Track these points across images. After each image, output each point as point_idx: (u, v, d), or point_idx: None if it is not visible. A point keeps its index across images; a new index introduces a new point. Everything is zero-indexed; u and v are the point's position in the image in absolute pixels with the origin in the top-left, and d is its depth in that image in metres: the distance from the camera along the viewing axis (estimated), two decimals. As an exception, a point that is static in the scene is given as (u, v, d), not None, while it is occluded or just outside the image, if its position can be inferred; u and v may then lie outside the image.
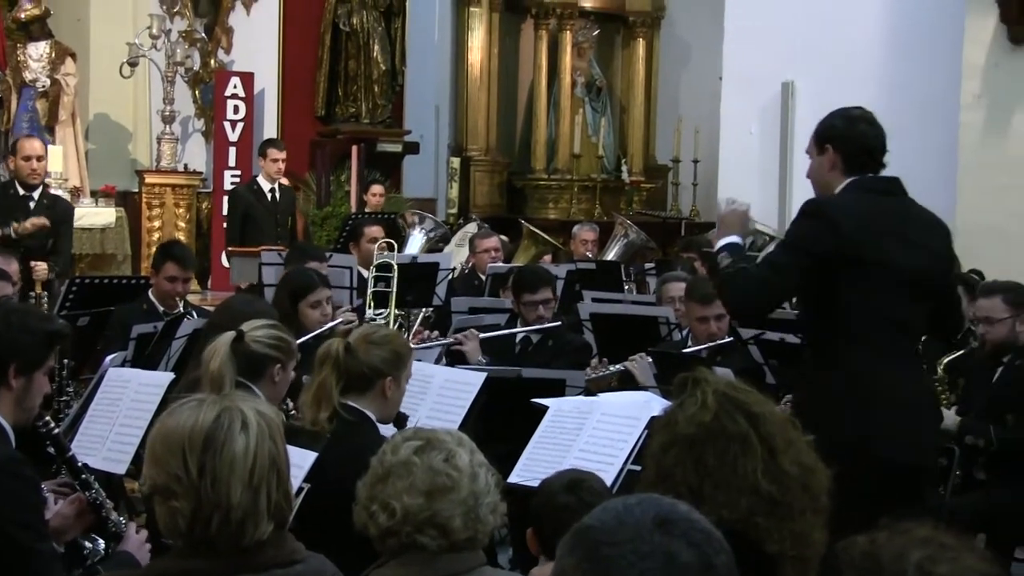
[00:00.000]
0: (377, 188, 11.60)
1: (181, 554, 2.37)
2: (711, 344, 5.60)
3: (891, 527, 1.72)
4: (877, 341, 3.95)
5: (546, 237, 10.10)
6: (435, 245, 9.29)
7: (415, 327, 7.32)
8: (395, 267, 7.22)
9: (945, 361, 6.04)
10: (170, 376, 4.59)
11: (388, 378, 3.89)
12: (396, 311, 7.33)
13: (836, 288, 3.94)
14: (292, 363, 4.04)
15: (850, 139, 4.11)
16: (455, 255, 9.28)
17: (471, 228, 10.43)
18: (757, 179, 10.06)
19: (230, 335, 3.82)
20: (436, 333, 6.77)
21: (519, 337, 6.26)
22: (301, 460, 3.42)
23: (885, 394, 3.90)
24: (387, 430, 3.98)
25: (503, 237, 9.38)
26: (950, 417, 5.54)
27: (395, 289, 7.21)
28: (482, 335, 6.17)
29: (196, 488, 2.28)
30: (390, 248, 7.78)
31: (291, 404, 4.52)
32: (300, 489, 3.36)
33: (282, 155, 10.13)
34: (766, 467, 2.25)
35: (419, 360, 5.13)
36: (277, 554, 2.37)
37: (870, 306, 3.94)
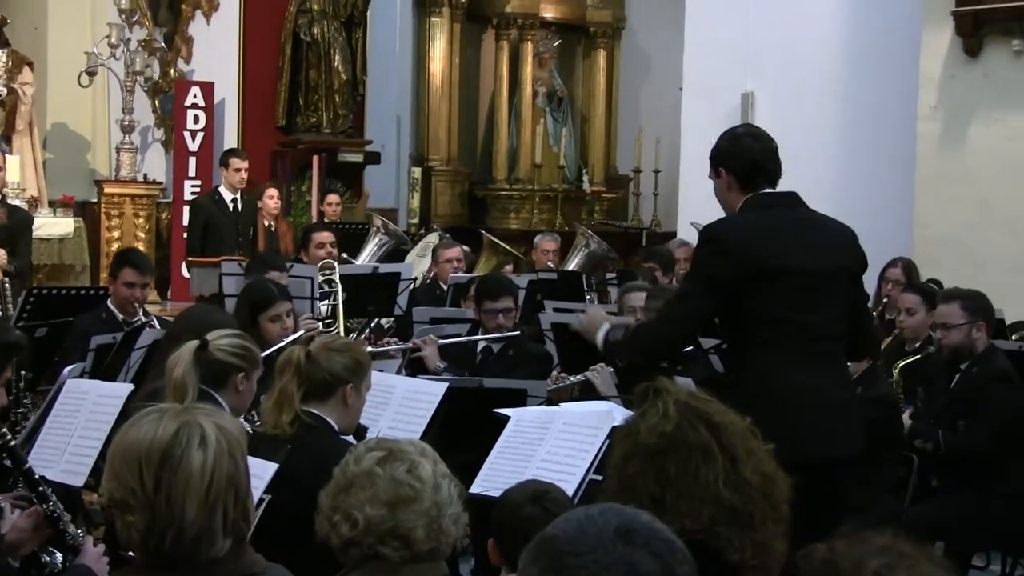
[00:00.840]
0: (333, 197, 11.58)
1: (138, 569, 2.35)
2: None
3: (850, 535, 1.73)
4: (782, 345, 4.00)
5: (507, 247, 10.10)
6: (388, 252, 9.30)
7: (365, 334, 7.30)
8: (335, 278, 7.21)
9: (901, 365, 6.09)
10: (129, 387, 4.55)
11: (349, 385, 3.89)
12: (347, 321, 7.35)
13: (741, 299, 3.99)
14: (256, 373, 4.03)
15: (737, 156, 4.13)
16: (416, 265, 9.27)
17: (432, 238, 10.42)
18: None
19: (194, 343, 3.80)
20: (396, 339, 6.76)
21: (480, 347, 6.26)
22: (261, 471, 3.40)
23: (792, 397, 3.95)
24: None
25: (465, 247, 9.37)
26: (906, 422, 5.60)
27: (341, 300, 7.23)
28: (441, 341, 6.18)
29: (151, 503, 2.25)
30: (340, 259, 7.83)
31: (256, 415, 4.50)
32: (260, 500, 3.35)
33: (244, 165, 10.09)
34: (728, 476, 2.26)
35: (381, 371, 5.13)
36: (236, 567, 2.35)
37: (773, 312, 3.99)
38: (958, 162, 8.91)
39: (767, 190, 4.13)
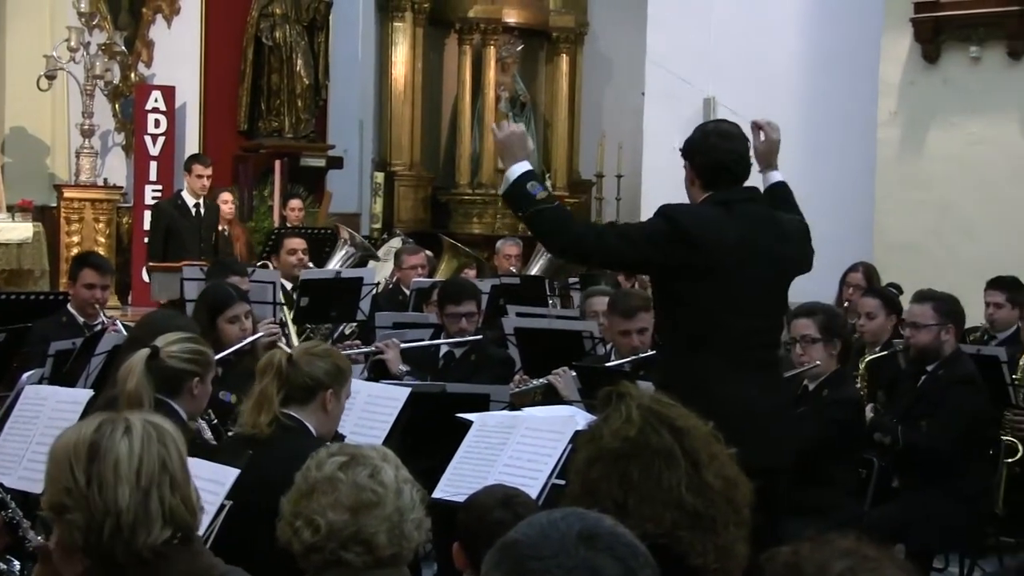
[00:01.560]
0: (295, 203, 11.55)
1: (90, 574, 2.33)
2: (635, 358, 5.62)
3: (814, 538, 1.73)
4: (718, 351, 3.99)
5: (466, 250, 10.11)
6: (353, 265, 9.28)
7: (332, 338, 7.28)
8: (280, 284, 7.20)
9: (867, 359, 6.14)
10: (89, 393, 4.52)
11: (329, 391, 3.89)
12: (309, 328, 7.36)
13: (683, 296, 4.01)
14: (211, 375, 4.02)
15: (703, 154, 4.12)
16: (379, 270, 9.25)
17: (395, 243, 10.41)
18: (680, 194, 10.11)
19: (145, 352, 3.78)
20: (359, 342, 6.74)
21: (442, 351, 6.25)
22: (222, 477, 3.38)
23: (721, 408, 3.87)
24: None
25: (429, 253, 9.37)
26: (868, 415, 5.65)
27: (296, 305, 7.23)
28: (404, 345, 6.17)
29: (85, 497, 2.28)
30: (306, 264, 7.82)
31: (212, 415, 4.48)
32: (222, 507, 3.32)
33: (207, 172, 10.05)
34: (690, 481, 2.27)
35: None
36: (191, 568, 2.34)
37: (715, 315, 3.99)
38: (918, 167, 8.99)
39: (728, 189, 4.12)
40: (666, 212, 4.10)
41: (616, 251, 4.13)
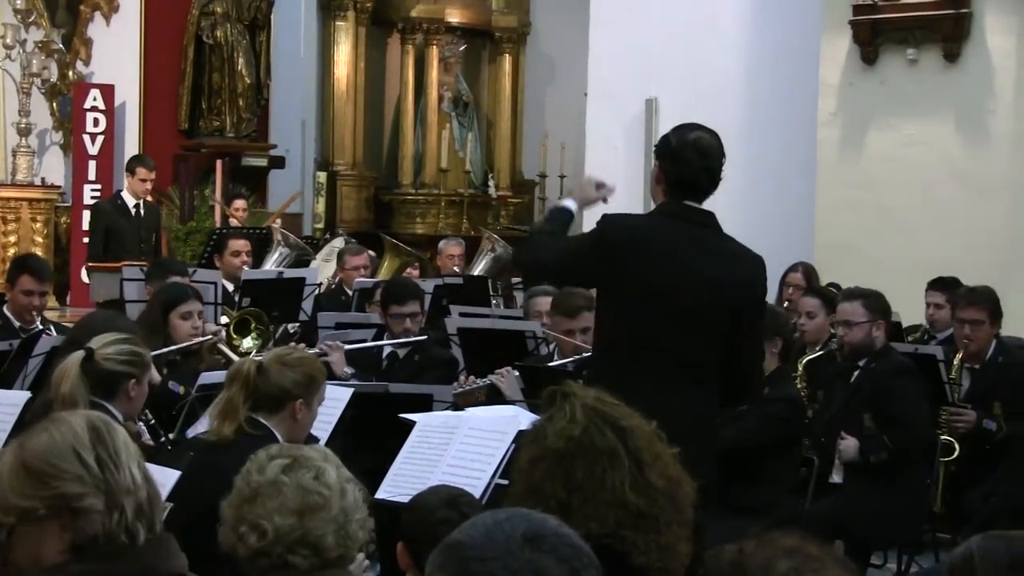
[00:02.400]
0: (239, 203, 11.47)
1: (98, 556, 2.29)
2: (578, 357, 5.63)
3: (759, 537, 1.75)
4: (639, 366, 3.91)
5: (409, 249, 10.09)
6: (290, 265, 9.24)
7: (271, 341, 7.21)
8: (219, 287, 7.17)
9: (805, 360, 6.20)
10: (26, 395, 4.47)
11: (299, 400, 3.85)
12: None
13: (610, 308, 4.00)
14: (147, 376, 3.97)
15: (674, 163, 4.03)
16: (321, 270, 9.21)
17: (338, 243, 10.36)
18: (622, 194, 10.12)
19: (79, 355, 3.73)
20: (303, 345, 6.68)
21: (386, 352, 6.24)
22: (163, 479, 3.36)
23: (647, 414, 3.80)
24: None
25: (372, 253, 9.34)
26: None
27: (238, 306, 7.21)
28: (348, 347, 6.14)
29: (104, 479, 2.26)
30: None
31: (150, 415, 4.44)
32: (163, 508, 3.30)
33: (151, 176, 9.98)
34: (634, 480, 2.28)
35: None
36: (171, 565, 2.33)
37: (634, 330, 3.95)
38: (856, 168, 9.08)
39: (689, 203, 4.03)
40: (601, 221, 4.08)
41: (558, 265, 4.19)
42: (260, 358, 3.99)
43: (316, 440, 4.01)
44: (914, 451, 5.62)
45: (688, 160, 4.00)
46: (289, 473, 2.59)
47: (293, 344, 6.14)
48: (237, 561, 2.60)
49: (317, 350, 6.15)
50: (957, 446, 5.97)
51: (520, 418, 4.22)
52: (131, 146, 12.05)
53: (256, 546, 2.54)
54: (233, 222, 10.85)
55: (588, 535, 2.06)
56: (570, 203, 4.27)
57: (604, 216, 4.09)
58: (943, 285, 7.00)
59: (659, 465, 2.34)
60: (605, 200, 4.34)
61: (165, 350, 5.07)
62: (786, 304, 7.57)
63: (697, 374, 4.01)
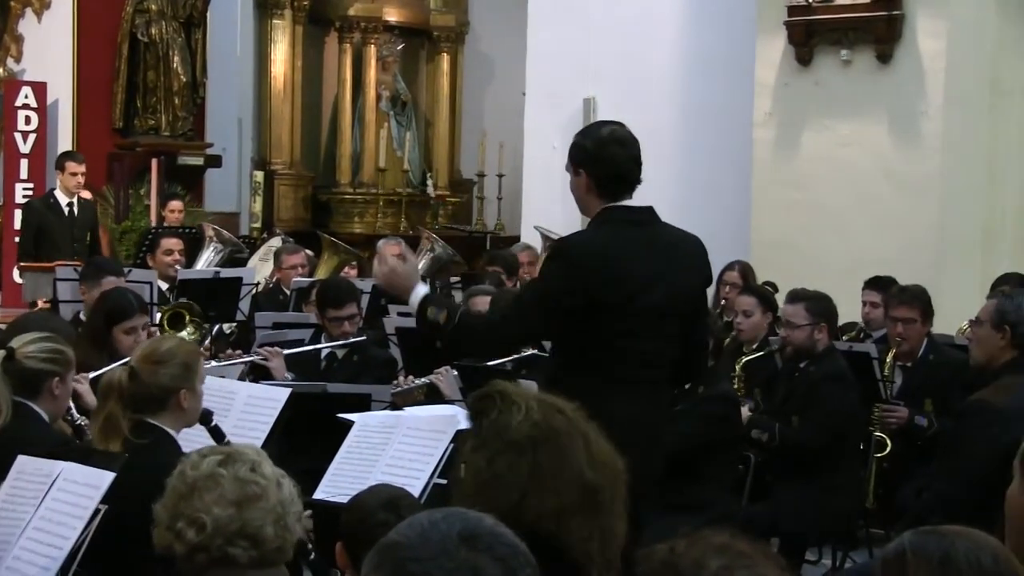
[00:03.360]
0: (176, 204, 11.36)
1: None
2: (516, 356, 5.65)
3: (690, 536, 1.76)
4: (610, 371, 3.91)
5: (346, 247, 10.05)
6: (224, 261, 9.18)
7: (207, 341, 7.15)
8: (155, 287, 7.10)
9: (743, 361, 6.25)
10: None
11: (181, 391, 3.76)
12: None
13: (580, 320, 3.89)
14: (71, 374, 3.91)
15: (600, 163, 3.97)
16: (259, 269, 9.16)
17: (275, 242, 10.30)
18: (560, 193, 10.15)
19: None
20: (240, 352, 6.63)
21: (324, 353, 6.21)
22: (96, 480, 3.32)
23: (608, 425, 3.75)
24: (196, 433, 3.90)
25: (309, 252, 9.29)
26: (745, 415, 5.76)
27: (172, 304, 7.14)
28: (286, 352, 6.10)
29: None
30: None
31: (76, 413, 4.38)
32: (97, 511, 3.26)
33: (81, 169, 9.86)
34: (588, 457, 2.33)
35: (222, 376, 5.05)
36: None
37: (611, 341, 3.91)
38: (792, 168, 9.16)
39: (627, 203, 4.01)
40: (558, 250, 4.04)
41: (525, 327, 4.07)
42: (129, 362, 3.81)
43: (210, 413, 3.92)
44: (797, 453, 5.64)
45: (612, 155, 3.97)
46: (225, 466, 2.58)
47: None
48: (172, 562, 2.58)
49: (257, 358, 6.09)
50: (889, 443, 6.05)
51: (459, 417, 4.21)
52: (64, 144, 11.90)
53: (195, 540, 2.52)
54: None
55: (540, 519, 2.15)
56: (419, 291, 4.05)
57: (561, 240, 4.09)
58: (879, 284, 7.09)
59: (600, 442, 2.39)
60: (404, 259, 4.27)
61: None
62: (723, 302, 7.62)
63: (662, 374, 4.06)
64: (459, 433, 3.96)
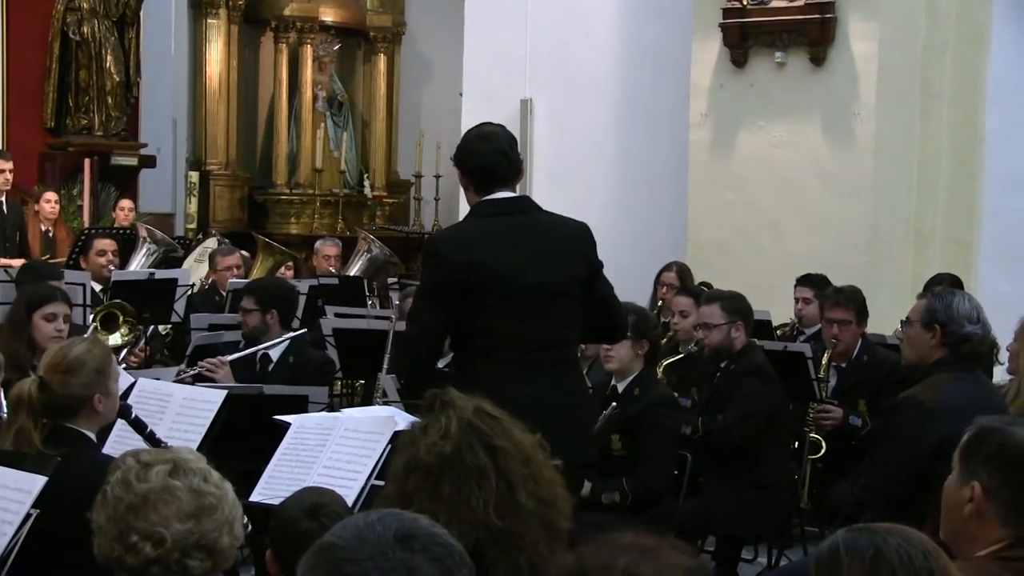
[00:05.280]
0: (126, 203, 11.26)
1: None
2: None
3: (595, 539, 1.78)
4: (502, 355, 4.06)
5: (281, 248, 10.00)
6: (158, 262, 9.10)
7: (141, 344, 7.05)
8: (88, 288, 7.02)
9: (665, 363, 6.29)
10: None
11: (95, 396, 3.70)
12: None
13: (463, 310, 4.04)
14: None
15: (467, 159, 4.17)
16: (194, 271, 9.08)
17: (211, 243, 10.22)
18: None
19: None
20: (183, 366, 6.50)
21: (259, 355, 6.16)
22: (28, 485, 3.27)
23: (512, 407, 3.82)
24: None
25: (244, 253, 9.23)
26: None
27: (105, 305, 7.06)
28: (229, 358, 6.02)
29: None
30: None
31: (5, 408, 4.31)
32: (28, 515, 3.22)
33: (8, 166, 9.73)
34: (500, 500, 2.30)
35: (157, 379, 5.00)
36: None
37: (493, 323, 4.05)
38: (727, 168, 9.23)
39: (500, 195, 4.15)
40: (427, 247, 4.26)
41: (421, 334, 4.17)
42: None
43: (129, 407, 3.91)
44: (720, 448, 5.70)
45: (475, 150, 4.15)
46: (177, 477, 2.54)
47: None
48: (112, 571, 2.54)
49: (202, 371, 5.99)
50: (824, 444, 6.11)
51: (396, 419, 4.20)
52: (-7, 143, 11.73)
53: (152, 554, 2.49)
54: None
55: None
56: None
57: (430, 240, 4.29)
58: (811, 281, 7.16)
59: (531, 486, 2.35)
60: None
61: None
62: (660, 303, 7.67)
63: (561, 357, 4.17)
64: (396, 435, 3.95)
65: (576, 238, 4.24)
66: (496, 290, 4.03)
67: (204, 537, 2.51)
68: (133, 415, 3.93)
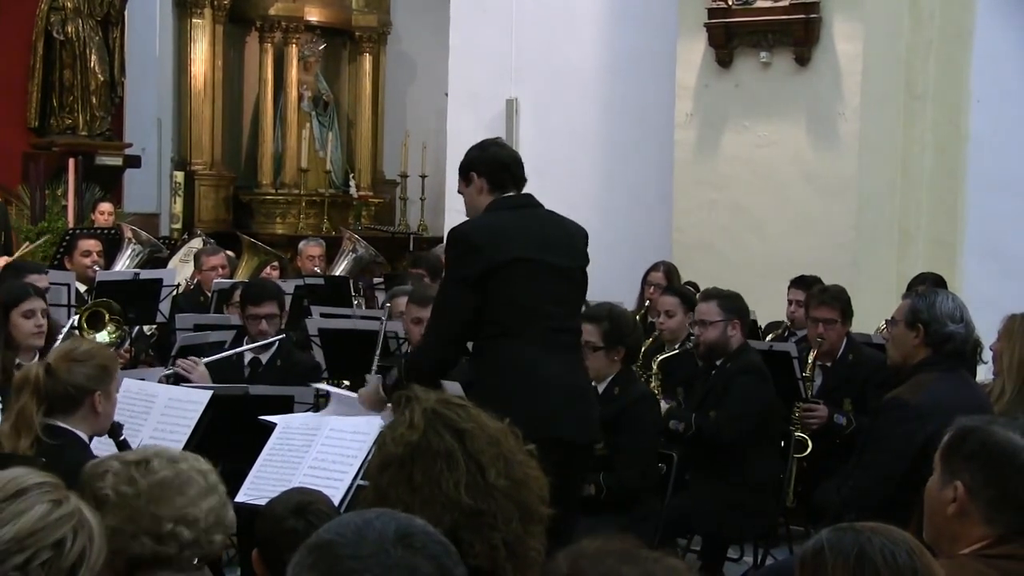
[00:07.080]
0: (105, 206, 11.20)
1: None
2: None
3: (591, 545, 1.79)
4: (528, 334, 4.30)
5: (267, 248, 9.98)
6: (143, 262, 9.08)
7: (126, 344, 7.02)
8: (73, 289, 6.99)
9: (660, 359, 6.31)
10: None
11: (96, 393, 3.74)
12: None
13: (489, 293, 4.29)
14: None
15: (486, 161, 4.52)
16: (179, 271, 9.07)
17: (196, 243, 10.20)
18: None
19: None
20: (161, 368, 6.46)
21: (247, 359, 6.14)
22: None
23: (541, 384, 4.28)
24: (102, 444, 3.86)
25: (229, 253, 9.22)
26: (663, 407, 5.82)
27: (90, 303, 7.02)
28: (205, 360, 5.96)
29: None
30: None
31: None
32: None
33: (-11, 165, 9.68)
34: (471, 480, 2.32)
35: (142, 379, 5.00)
36: None
37: (521, 300, 4.31)
38: (712, 168, 9.24)
39: (511, 193, 4.49)
40: (451, 238, 4.47)
41: (447, 326, 4.41)
42: (47, 359, 3.80)
43: (120, 427, 3.93)
44: (713, 446, 5.71)
45: (495, 152, 4.56)
46: (180, 464, 2.59)
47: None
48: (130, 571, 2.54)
49: (176, 369, 5.96)
50: (810, 443, 6.12)
51: (381, 419, 4.21)
52: (-23, 144, 11.69)
53: (189, 537, 2.50)
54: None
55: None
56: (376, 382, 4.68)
57: (454, 233, 4.46)
58: (804, 283, 7.17)
59: (501, 465, 2.38)
60: None
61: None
62: (647, 303, 7.68)
63: (576, 341, 4.59)
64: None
65: (578, 233, 4.60)
66: (523, 271, 4.30)
67: (221, 513, 2.58)
68: (122, 436, 3.94)
